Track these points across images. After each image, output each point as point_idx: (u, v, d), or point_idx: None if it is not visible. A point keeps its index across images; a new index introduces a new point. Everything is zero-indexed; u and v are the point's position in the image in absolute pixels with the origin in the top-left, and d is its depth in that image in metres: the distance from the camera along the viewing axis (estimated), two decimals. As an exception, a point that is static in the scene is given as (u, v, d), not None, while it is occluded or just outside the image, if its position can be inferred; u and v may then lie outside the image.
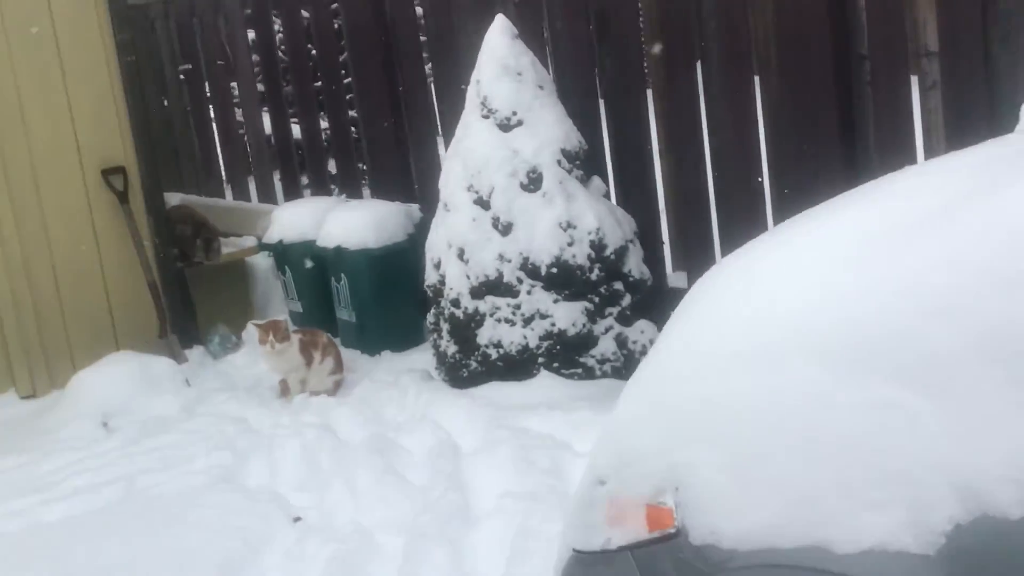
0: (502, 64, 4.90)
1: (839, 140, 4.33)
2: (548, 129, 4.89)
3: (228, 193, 7.63)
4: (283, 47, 6.95)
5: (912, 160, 4.18)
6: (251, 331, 6.26)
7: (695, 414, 1.98)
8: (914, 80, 4.20)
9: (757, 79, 4.62)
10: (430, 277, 5.17)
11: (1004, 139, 2.39)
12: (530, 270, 4.82)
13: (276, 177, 7.32)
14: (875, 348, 1.76)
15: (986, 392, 1.64)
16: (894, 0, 4.10)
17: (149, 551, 3.84)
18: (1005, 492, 1.60)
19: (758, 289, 2.03)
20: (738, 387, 1.91)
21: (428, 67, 6.28)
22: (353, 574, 3.55)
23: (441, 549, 3.57)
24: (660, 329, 4.93)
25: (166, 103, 7.74)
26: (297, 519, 4.04)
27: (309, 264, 6.05)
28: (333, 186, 6.83)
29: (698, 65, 4.80)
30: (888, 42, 4.15)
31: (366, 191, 6.73)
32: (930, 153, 4.20)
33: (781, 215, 4.63)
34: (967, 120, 3.98)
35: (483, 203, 4.90)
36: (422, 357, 5.63)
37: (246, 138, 7.44)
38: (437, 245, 5.11)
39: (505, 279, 4.85)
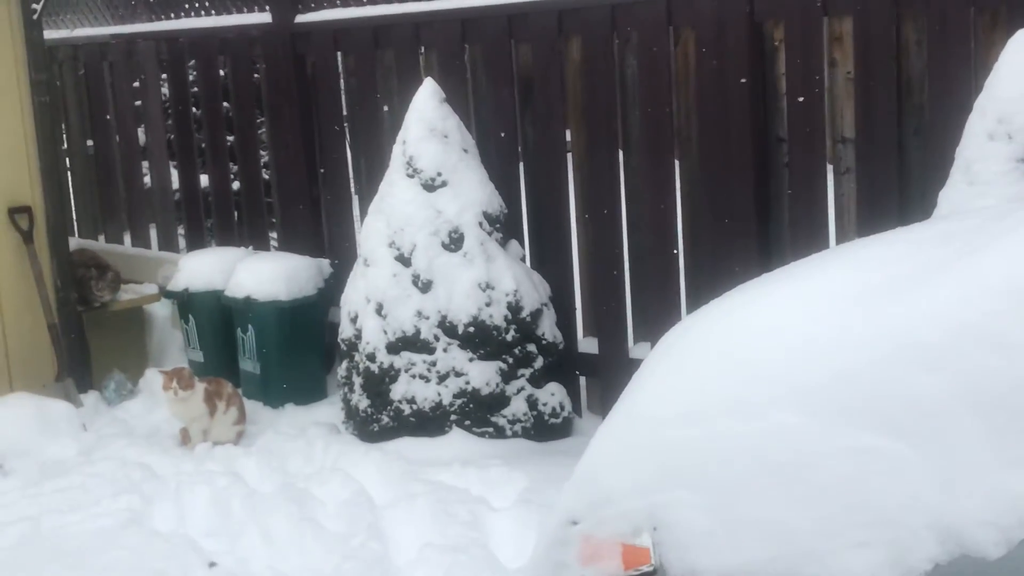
0: (429, 126, 5.01)
1: (755, 218, 4.54)
2: (471, 191, 5.01)
3: (127, 240, 7.54)
4: (196, 95, 6.93)
5: (825, 241, 4.40)
6: (149, 378, 6.19)
7: (676, 456, 2.08)
8: (829, 165, 4.43)
9: (677, 154, 4.82)
10: (346, 331, 5.20)
11: (951, 217, 2.57)
12: (448, 328, 4.90)
13: (179, 226, 7.27)
14: (859, 397, 1.89)
15: (967, 440, 1.77)
16: (813, 88, 4.33)
17: (64, 591, 3.76)
18: (984, 534, 1.73)
19: (741, 338, 2.15)
20: (721, 431, 2.02)
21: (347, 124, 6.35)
22: (279, 619, 3.53)
23: (367, 597, 3.59)
24: (569, 392, 5.09)
25: (66, 146, 7.63)
26: (212, 564, 4.00)
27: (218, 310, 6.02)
28: (239, 238, 6.80)
29: (619, 136, 4.98)
30: (806, 127, 4.37)
31: (274, 245, 6.73)
32: (841, 235, 4.43)
33: (695, 287, 4.82)
34: (878, 204, 4.22)
35: (404, 260, 4.97)
36: (327, 411, 5.64)
37: (151, 185, 7.38)
38: (355, 299, 5.15)
39: (422, 336, 4.91)
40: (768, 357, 2.06)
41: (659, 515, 2.04)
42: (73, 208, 7.80)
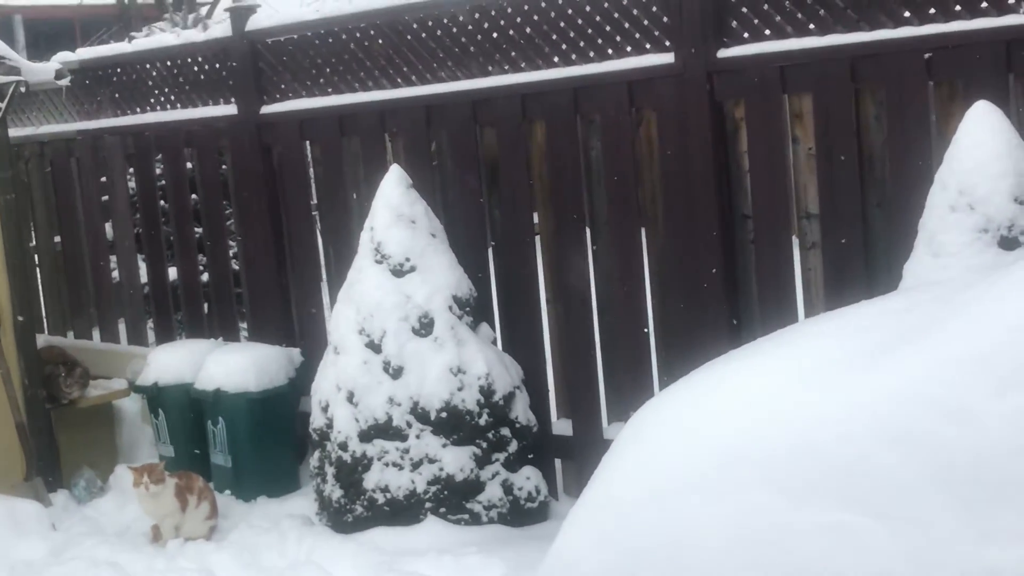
0: (396, 212, 5.03)
1: (723, 295, 4.55)
2: (440, 276, 5.01)
3: (96, 335, 7.48)
4: (163, 189, 6.94)
5: (793, 315, 4.41)
6: (119, 475, 6.11)
7: (646, 539, 2.05)
8: (795, 240, 4.46)
9: (644, 233, 4.84)
10: (316, 420, 5.16)
11: (914, 289, 2.58)
12: (420, 414, 4.87)
13: (148, 319, 7.23)
14: (828, 474, 1.87)
15: (936, 514, 1.76)
16: (777, 165, 4.37)
17: None
18: (960, 609, 1.71)
19: (708, 418, 2.14)
20: (690, 512, 2.00)
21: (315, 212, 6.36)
22: None
23: None
24: (545, 475, 5.04)
25: (34, 243, 7.61)
26: (185, 665, 3.92)
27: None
28: (209, 329, 6.77)
29: (586, 216, 5.00)
30: (771, 204, 4.41)
31: (244, 335, 6.69)
32: (810, 309, 4.44)
33: (666, 365, 4.81)
34: (845, 278, 4.24)
35: (374, 346, 4.95)
36: (300, 503, 5.57)
37: (119, 279, 7.34)
38: (325, 388, 5.11)
39: (395, 423, 4.88)
40: (734, 435, 2.05)
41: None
42: (42, 304, 7.75)
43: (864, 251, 4.20)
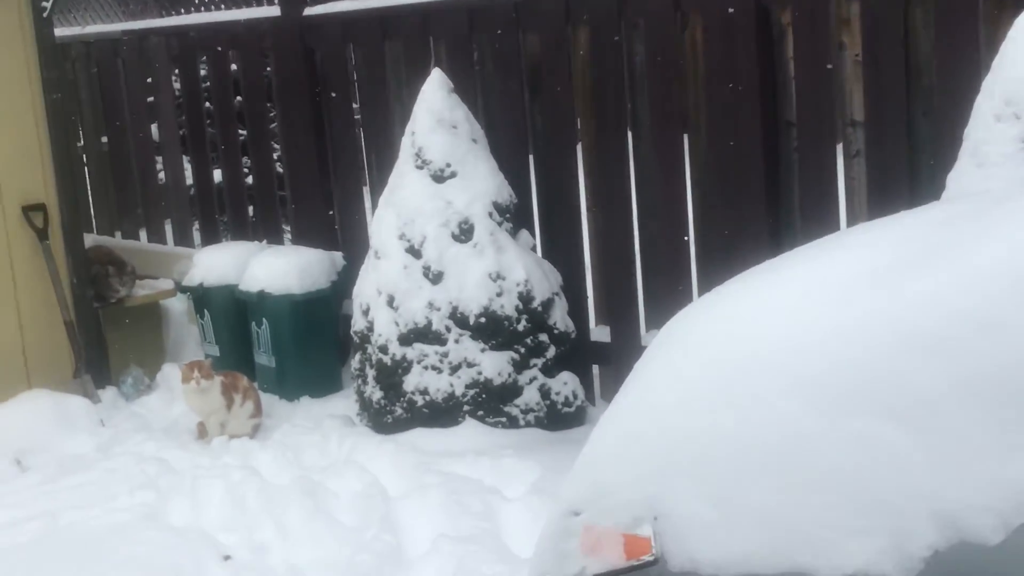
0: (437, 117, 5.01)
1: (765, 203, 4.51)
2: (481, 182, 5.01)
3: (143, 236, 7.57)
4: (208, 91, 6.95)
5: (835, 225, 4.38)
6: (166, 373, 6.22)
7: (677, 446, 2.07)
8: (839, 148, 4.41)
9: (686, 140, 4.80)
10: (358, 323, 5.21)
11: (955, 200, 2.55)
12: (459, 319, 4.90)
13: (194, 221, 7.30)
14: (856, 385, 1.88)
15: (965, 427, 1.77)
16: (822, 71, 4.31)
17: (80, 587, 3.79)
18: (983, 520, 1.72)
19: (739, 328, 2.15)
20: (722, 420, 2.02)
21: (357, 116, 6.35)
22: (291, 612, 3.55)
23: (380, 588, 3.60)
24: (582, 381, 5.08)
25: (82, 143, 7.67)
26: (227, 557, 4.02)
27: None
28: (253, 232, 6.82)
29: (628, 123, 4.96)
30: (815, 111, 4.35)
31: (287, 238, 6.75)
32: (852, 219, 4.41)
33: (705, 273, 4.80)
34: (888, 188, 4.19)
35: (415, 252, 4.97)
36: (342, 403, 5.65)
37: (165, 181, 7.41)
38: (366, 292, 5.16)
39: (434, 327, 4.92)
40: (768, 345, 2.05)
41: (660, 505, 2.04)
42: (90, 205, 7.84)
43: (908, 160, 4.15)
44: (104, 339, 6.26)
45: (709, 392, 2.07)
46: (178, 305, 6.86)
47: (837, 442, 1.86)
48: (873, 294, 2.00)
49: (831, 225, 4.38)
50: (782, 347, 2.02)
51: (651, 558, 2.05)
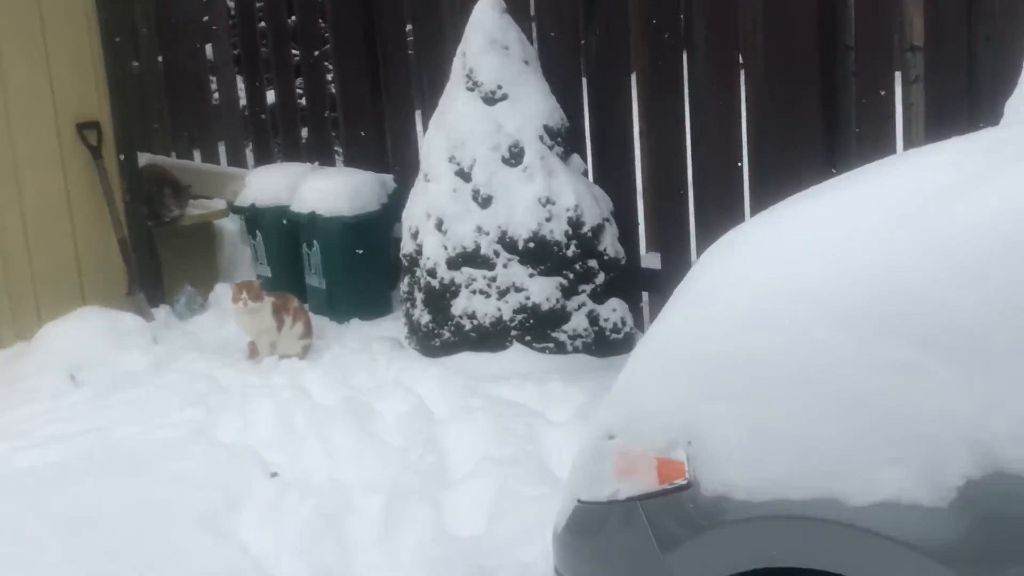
0: (489, 38, 4.95)
1: (821, 129, 4.43)
2: (532, 105, 4.95)
3: (197, 156, 7.60)
4: (263, 10, 6.92)
5: (892, 152, 4.29)
6: (219, 293, 6.27)
7: (713, 371, 2.05)
8: (897, 74, 4.31)
9: (743, 64, 4.71)
10: (407, 246, 5.21)
11: (1010, 126, 2.48)
12: (508, 244, 4.88)
13: (247, 141, 7.32)
14: (900, 314, 1.84)
15: (1003, 357, 1.72)
16: (883, -5, 4.20)
17: (129, 499, 3.85)
18: (1018, 450, 1.68)
19: (780, 254, 2.11)
20: (759, 346, 1.99)
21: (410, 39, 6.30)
22: (334, 528, 3.60)
23: (422, 507, 3.63)
24: (631, 308, 5.04)
25: (136, 63, 7.68)
26: (274, 474, 4.08)
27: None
28: (306, 153, 6.83)
29: (683, 47, 4.87)
30: (874, 35, 4.25)
31: (339, 160, 6.74)
32: (909, 145, 4.31)
33: (758, 200, 4.73)
34: (946, 114, 4.09)
35: (464, 175, 4.95)
36: (391, 326, 5.67)
37: (219, 101, 7.42)
38: (415, 215, 5.15)
39: (482, 251, 4.90)
40: (808, 270, 2.01)
41: (694, 430, 2.02)
42: (144, 123, 7.87)
43: (968, 86, 4.04)
44: (158, 258, 6.32)
45: (747, 316, 2.04)
46: (231, 226, 6.90)
47: (875, 369, 1.83)
48: (922, 219, 1.95)
49: (888, 152, 4.27)
50: (824, 271, 1.98)
51: (684, 482, 2.03)
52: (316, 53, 6.60)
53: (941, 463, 1.74)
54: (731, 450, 1.97)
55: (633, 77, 5.19)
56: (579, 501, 2.27)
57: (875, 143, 4.29)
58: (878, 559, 1.81)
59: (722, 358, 2.05)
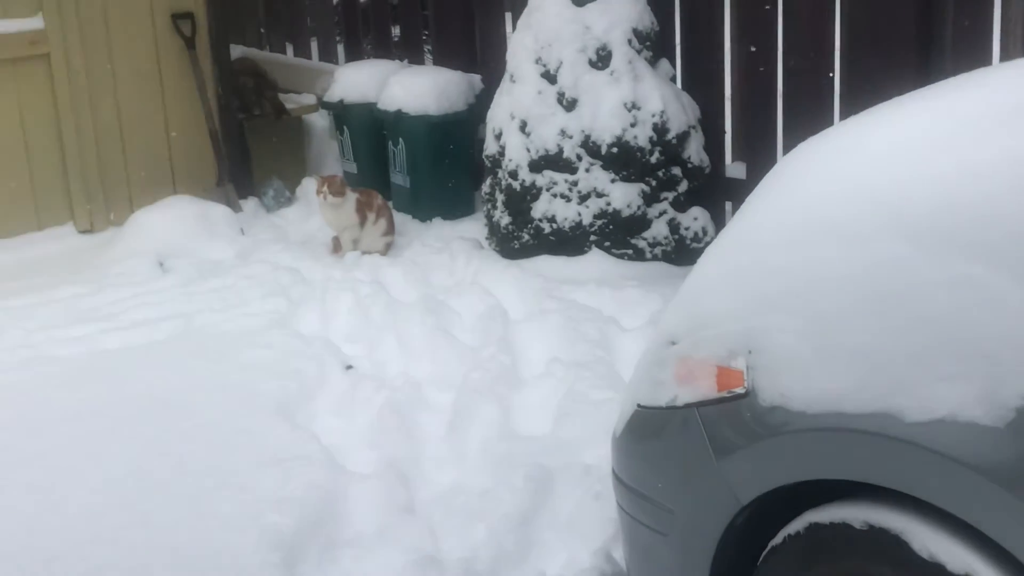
0: (581, -62, 4.88)
1: (915, 40, 4.31)
2: (621, 7, 4.89)
3: (289, 50, 7.64)
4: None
5: (988, 63, 4.16)
6: (306, 187, 6.34)
7: (776, 281, 2.03)
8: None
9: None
10: (490, 147, 5.21)
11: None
12: (590, 148, 4.85)
13: (339, 38, 7.32)
14: (967, 228, 1.80)
15: (1072, 276, 1.68)
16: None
17: (208, 384, 3.96)
18: (1083, 371, 1.65)
19: (849, 166, 2.07)
20: (822, 257, 1.96)
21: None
22: (405, 421, 3.66)
23: (490, 405, 3.68)
24: (713, 217, 5.00)
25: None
26: (349, 367, 4.15)
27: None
28: (397, 51, 6.82)
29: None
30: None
31: (428, 59, 6.72)
32: (1006, 57, 4.18)
33: (849, 112, 4.61)
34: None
35: (550, 77, 4.91)
36: (472, 226, 5.70)
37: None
38: (500, 116, 5.13)
39: (565, 155, 4.88)
40: (878, 183, 1.97)
41: (755, 339, 2.01)
42: (238, 16, 7.91)
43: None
44: (248, 149, 6.39)
45: (813, 227, 2.02)
46: (320, 121, 6.95)
47: (940, 284, 1.79)
48: (1000, 133, 1.90)
49: (983, 64, 4.14)
50: (893, 183, 1.94)
51: (742, 391, 2.03)
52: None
53: (1001, 382, 1.71)
54: (790, 360, 1.96)
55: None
56: (639, 406, 2.29)
57: (970, 56, 4.16)
58: (932, 476, 1.79)
59: (786, 268, 2.03)
